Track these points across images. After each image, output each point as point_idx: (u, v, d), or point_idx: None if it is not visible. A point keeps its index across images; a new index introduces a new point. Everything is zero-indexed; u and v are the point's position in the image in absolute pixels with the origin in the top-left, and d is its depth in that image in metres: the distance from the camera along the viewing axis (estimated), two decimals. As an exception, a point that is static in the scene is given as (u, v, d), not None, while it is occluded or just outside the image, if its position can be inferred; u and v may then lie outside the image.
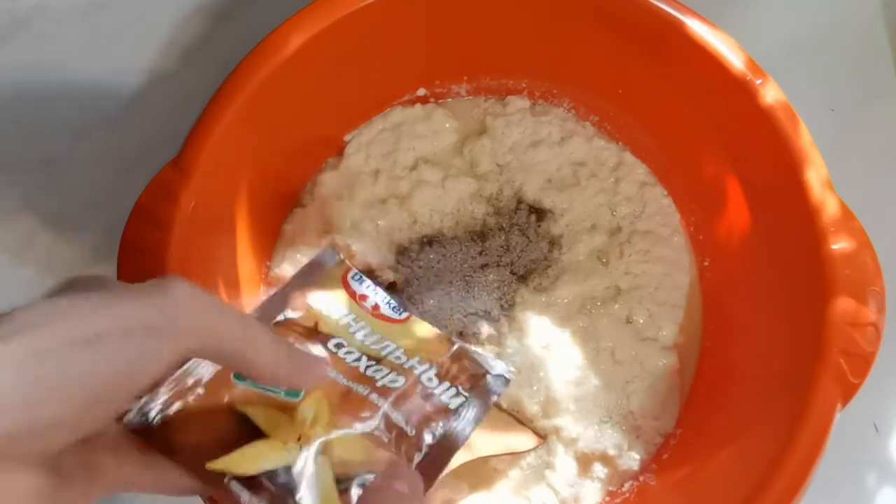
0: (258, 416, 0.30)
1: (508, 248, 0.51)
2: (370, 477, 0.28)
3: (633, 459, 0.47)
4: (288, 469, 0.28)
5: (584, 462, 0.47)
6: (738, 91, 0.45)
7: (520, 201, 0.53)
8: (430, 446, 0.32)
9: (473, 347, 0.41)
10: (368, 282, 0.39)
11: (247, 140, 0.44)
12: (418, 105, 0.54)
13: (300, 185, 0.52)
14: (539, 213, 0.52)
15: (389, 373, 0.34)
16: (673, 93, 0.49)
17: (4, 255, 0.52)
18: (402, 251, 0.51)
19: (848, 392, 0.40)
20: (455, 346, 0.37)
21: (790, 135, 0.43)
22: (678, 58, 0.47)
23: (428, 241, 0.51)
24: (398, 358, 0.35)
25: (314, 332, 0.35)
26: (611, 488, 0.47)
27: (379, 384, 0.33)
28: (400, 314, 0.38)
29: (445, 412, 0.33)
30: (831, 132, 0.53)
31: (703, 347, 0.50)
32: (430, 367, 0.35)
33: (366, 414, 0.31)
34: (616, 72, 0.51)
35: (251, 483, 0.28)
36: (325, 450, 0.29)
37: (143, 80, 0.56)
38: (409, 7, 0.47)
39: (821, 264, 0.41)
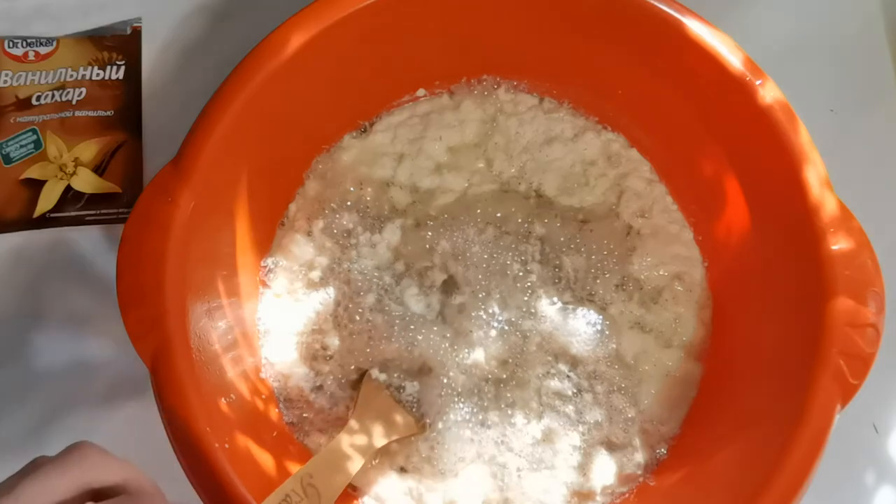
0: None
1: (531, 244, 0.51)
2: None
3: (635, 462, 0.47)
4: None
5: (586, 462, 0.47)
6: (737, 91, 0.45)
7: (539, 195, 0.53)
8: None
9: None
10: None
11: (246, 141, 0.44)
12: (446, 95, 0.54)
13: (299, 186, 0.52)
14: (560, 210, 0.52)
15: None
16: (672, 93, 0.49)
17: (6, 258, 0.52)
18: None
19: (847, 393, 0.40)
20: None
21: (789, 135, 0.43)
22: (678, 58, 0.47)
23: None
24: None
25: None
26: (611, 489, 0.47)
27: None
28: None
29: None
30: (831, 132, 0.53)
31: (703, 348, 0.50)
32: None
33: None
34: (616, 72, 0.51)
35: None
36: None
37: (142, 80, 0.56)
38: (409, 8, 0.47)
39: (820, 265, 0.41)
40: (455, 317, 0.49)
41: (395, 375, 0.48)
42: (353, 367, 0.48)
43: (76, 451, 0.31)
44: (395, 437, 0.45)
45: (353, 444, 0.44)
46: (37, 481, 0.29)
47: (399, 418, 0.46)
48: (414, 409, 0.47)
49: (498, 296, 0.49)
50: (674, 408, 0.49)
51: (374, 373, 0.47)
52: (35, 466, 0.30)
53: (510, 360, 0.49)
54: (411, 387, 0.47)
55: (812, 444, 0.39)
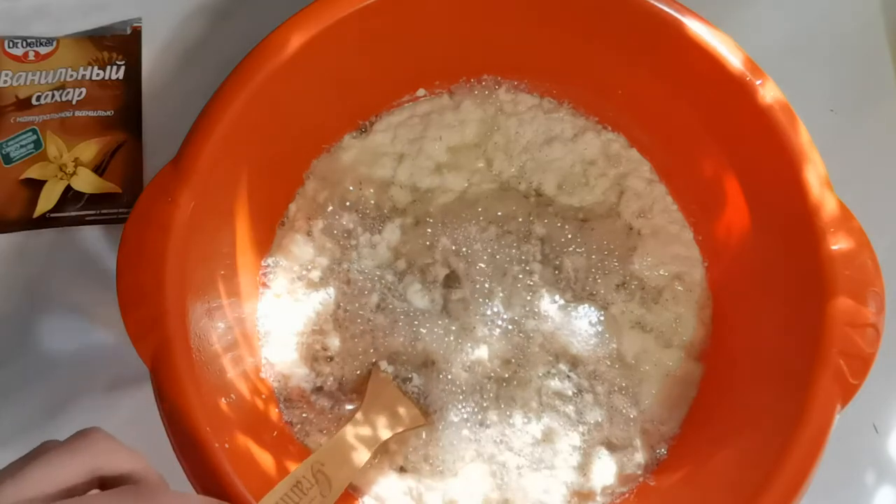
0: None
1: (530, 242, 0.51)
2: None
3: (635, 462, 0.47)
4: None
5: (586, 462, 0.47)
6: (737, 91, 0.45)
7: (539, 195, 0.53)
8: None
9: None
10: None
11: (246, 141, 0.44)
12: (446, 95, 0.54)
13: (299, 186, 0.52)
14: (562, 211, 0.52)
15: None
16: (672, 93, 0.49)
17: (6, 258, 0.52)
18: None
19: (847, 393, 0.40)
20: None
21: (789, 135, 0.43)
22: (678, 58, 0.47)
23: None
24: None
25: None
26: (611, 489, 0.47)
27: None
28: None
29: None
30: (831, 132, 0.53)
31: (703, 348, 0.50)
32: None
33: None
34: (616, 72, 0.51)
35: None
36: None
37: (142, 80, 0.56)
38: (409, 8, 0.47)
39: (820, 265, 0.41)
40: (460, 312, 0.49)
41: (403, 368, 0.48)
42: (356, 365, 0.48)
43: (85, 437, 0.31)
44: (402, 429, 0.46)
45: (361, 434, 0.44)
46: (44, 465, 0.29)
47: (407, 410, 0.47)
48: (421, 401, 0.47)
49: (501, 294, 0.49)
50: (674, 408, 0.49)
51: (383, 364, 0.48)
52: (43, 450, 0.30)
53: (513, 360, 0.49)
54: (418, 378, 0.47)
55: (812, 444, 0.39)
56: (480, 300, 0.49)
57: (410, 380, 0.48)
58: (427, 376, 0.48)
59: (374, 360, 0.48)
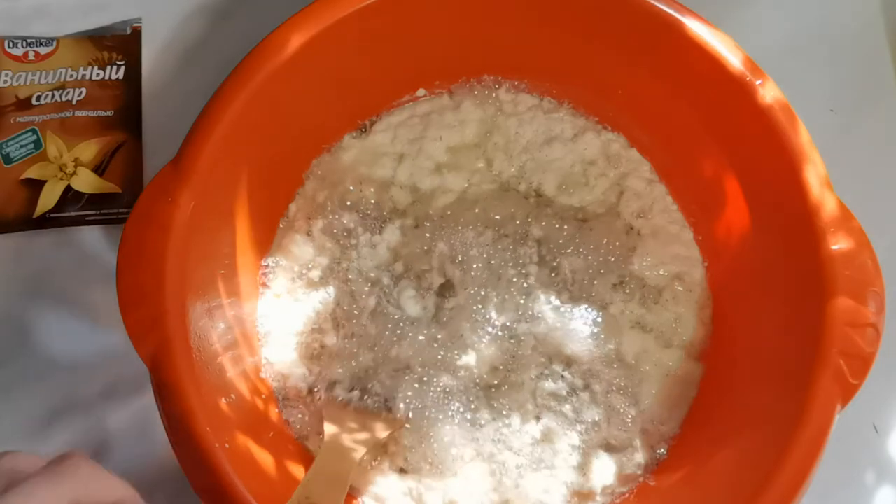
0: None
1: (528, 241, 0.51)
2: None
3: (635, 462, 0.47)
4: None
5: (586, 462, 0.47)
6: (737, 91, 0.45)
7: (539, 195, 0.53)
8: None
9: None
10: None
11: (246, 141, 0.44)
12: (446, 95, 0.54)
13: (299, 186, 0.52)
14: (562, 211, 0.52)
15: None
16: (672, 93, 0.49)
17: (6, 258, 0.52)
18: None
19: (847, 393, 0.40)
20: None
21: (789, 135, 0.43)
22: (678, 58, 0.47)
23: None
24: None
25: None
26: (611, 489, 0.47)
27: None
28: None
29: None
30: (831, 132, 0.53)
31: (703, 348, 0.50)
32: None
33: None
34: (616, 72, 0.51)
35: None
36: None
37: (142, 80, 0.56)
38: (409, 8, 0.47)
39: (820, 265, 0.41)
40: (450, 319, 0.49)
41: (370, 382, 0.47)
42: (339, 374, 0.48)
43: (67, 464, 0.28)
44: (376, 439, 0.45)
45: (334, 457, 0.44)
46: (21, 495, 0.26)
47: (371, 423, 0.46)
48: (388, 405, 0.47)
49: (495, 299, 0.49)
50: (674, 408, 0.49)
51: (337, 390, 0.47)
52: (19, 476, 0.28)
53: (501, 367, 0.48)
54: (381, 387, 0.47)
55: (812, 444, 0.39)
56: (474, 307, 0.49)
57: (372, 390, 0.47)
58: (400, 380, 0.47)
59: (348, 376, 0.48)
